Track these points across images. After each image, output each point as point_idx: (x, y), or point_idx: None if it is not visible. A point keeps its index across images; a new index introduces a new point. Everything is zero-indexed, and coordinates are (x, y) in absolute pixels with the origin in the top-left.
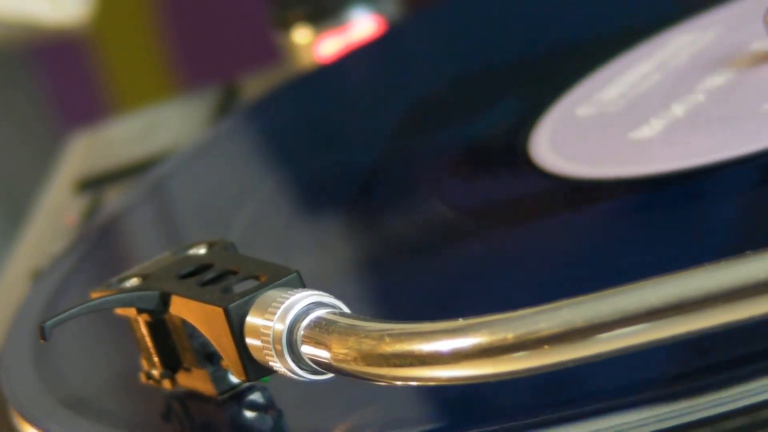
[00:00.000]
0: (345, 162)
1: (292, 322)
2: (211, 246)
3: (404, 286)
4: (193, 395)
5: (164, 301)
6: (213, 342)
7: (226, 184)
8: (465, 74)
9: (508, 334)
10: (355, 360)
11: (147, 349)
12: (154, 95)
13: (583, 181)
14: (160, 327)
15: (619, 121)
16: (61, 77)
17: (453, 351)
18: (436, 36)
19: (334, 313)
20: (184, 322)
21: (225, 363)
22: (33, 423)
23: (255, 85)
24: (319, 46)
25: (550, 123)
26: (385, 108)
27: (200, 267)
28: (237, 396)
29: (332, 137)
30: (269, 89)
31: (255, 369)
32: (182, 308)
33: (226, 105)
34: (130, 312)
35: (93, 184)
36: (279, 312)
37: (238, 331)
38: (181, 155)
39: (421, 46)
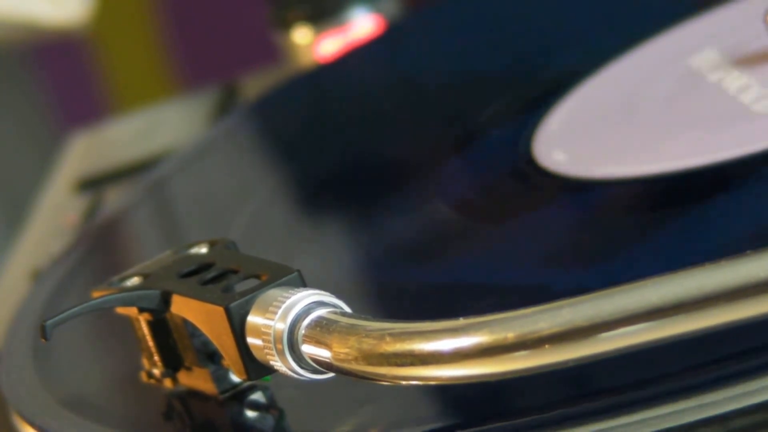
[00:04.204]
0: (344, 161)
1: (293, 321)
2: (212, 245)
3: (405, 286)
4: (194, 394)
5: (165, 300)
6: (214, 341)
7: (226, 183)
8: (465, 74)
9: (509, 334)
10: (355, 359)
11: (148, 348)
12: (154, 95)
13: (585, 181)
14: (161, 326)
15: (620, 121)
16: (61, 77)
17: (454, 350)
18: (436, 34)
19: (335, 313)
20: (185, 321)
21: (226, 362)
22: (32, 423)
23: (255, 85)
24: (319, 46)
25: (552, 122)
26: (386, 107)
27: (201, 266)
28: (238, 395)
29: (332, 136)
30: (268, 89)
31: (256, 368)
32: (183, 307)
33: (225, 105)
34: (132, 311)
35: (93, 184)
36: (280, 311)
37: (239, 330)
38: (181, 155)
39: (421, 45)
